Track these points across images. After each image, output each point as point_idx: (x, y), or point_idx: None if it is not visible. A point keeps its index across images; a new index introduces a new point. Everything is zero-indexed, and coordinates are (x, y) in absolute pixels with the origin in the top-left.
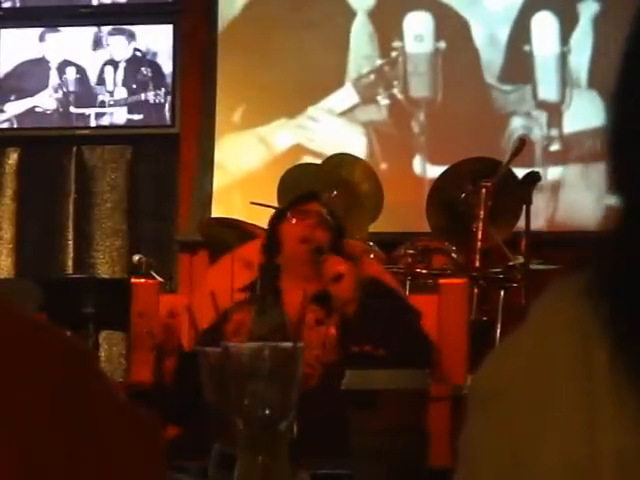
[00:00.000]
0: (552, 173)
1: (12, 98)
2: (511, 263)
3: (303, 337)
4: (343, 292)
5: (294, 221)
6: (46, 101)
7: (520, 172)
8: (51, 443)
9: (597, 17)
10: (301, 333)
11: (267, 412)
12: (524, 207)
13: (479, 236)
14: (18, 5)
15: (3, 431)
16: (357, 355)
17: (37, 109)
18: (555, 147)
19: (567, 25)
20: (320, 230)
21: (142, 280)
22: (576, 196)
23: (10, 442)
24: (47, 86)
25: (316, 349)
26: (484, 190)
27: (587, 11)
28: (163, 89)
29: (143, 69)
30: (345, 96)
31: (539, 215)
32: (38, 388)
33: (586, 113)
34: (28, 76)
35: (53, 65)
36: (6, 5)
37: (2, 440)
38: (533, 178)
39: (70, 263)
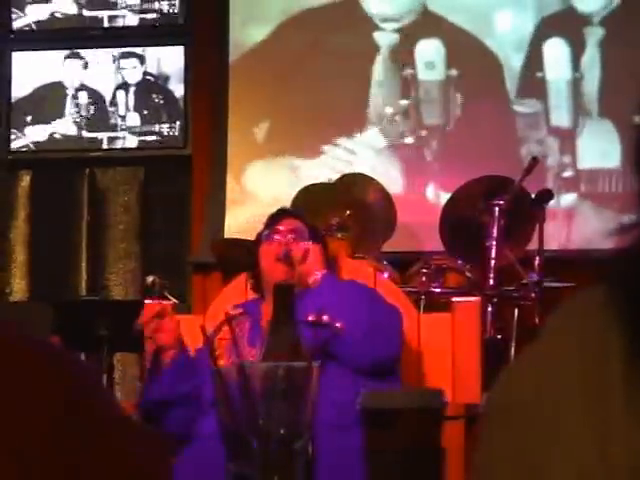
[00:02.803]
0: (565, 199)
1: (28, 121)
2: (525, 281)
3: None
4: (310, 267)
5: (267, 242)
6: (62, 126)
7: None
8: (53, 460)
9: (603, 42)
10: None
11: (282, 431)
12: (537, 225)
13: (493, 254)
14: (31, 27)
15: (4, 447)
16: (311, 323)
17: (54, 135)
18: (568, 173)
19: (578, 51)
20: (294, 243)
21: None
22: (589, 222)
23: (10, 459)
24: (63, 111)
25: None
26: (497, 208)
27: (593, 36)
28: (175, 110)
29: (155, 90)
30: (360, 123)
31: (552, 240)
32: (39, 407)
33: (599, 139)
34: (43, 100)
35: (68, 90)
36: (17, 26)
37: (3, 457)
38: (546, 196)
39: (83, 285)
